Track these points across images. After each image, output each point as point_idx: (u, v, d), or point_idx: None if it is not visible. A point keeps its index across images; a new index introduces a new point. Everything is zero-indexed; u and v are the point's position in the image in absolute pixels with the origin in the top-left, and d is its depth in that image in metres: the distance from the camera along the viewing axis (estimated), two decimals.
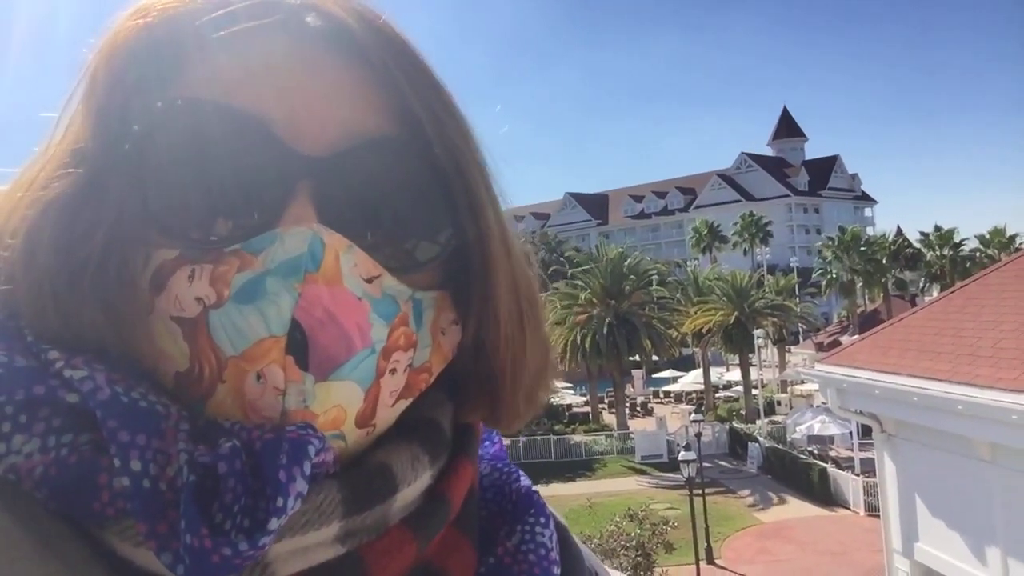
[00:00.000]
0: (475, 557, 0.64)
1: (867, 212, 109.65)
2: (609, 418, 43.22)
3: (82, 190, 0.54)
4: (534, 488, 0.73)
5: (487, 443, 0.77)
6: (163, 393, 0.52)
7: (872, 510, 23.16)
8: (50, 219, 0.53)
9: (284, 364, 0.50)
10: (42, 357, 0.52)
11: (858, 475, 28.03)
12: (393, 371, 0.56)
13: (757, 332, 41.74)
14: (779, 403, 43.54)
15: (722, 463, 35.72)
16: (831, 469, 29.83)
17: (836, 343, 35.19)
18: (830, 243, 64.31)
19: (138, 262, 0.54)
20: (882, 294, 61.58)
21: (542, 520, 0.69)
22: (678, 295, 46.68)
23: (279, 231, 0.52)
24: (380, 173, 0.55)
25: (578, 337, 39.00)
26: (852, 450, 30.21)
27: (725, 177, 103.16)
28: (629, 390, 48.56)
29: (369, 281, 0.55)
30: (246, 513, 0.46)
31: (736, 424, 38.99)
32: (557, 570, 0.67)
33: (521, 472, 0.75)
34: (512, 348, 0.62)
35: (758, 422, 37.63)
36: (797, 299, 53.92)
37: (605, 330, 38.88)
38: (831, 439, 32.63)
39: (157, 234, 0.53)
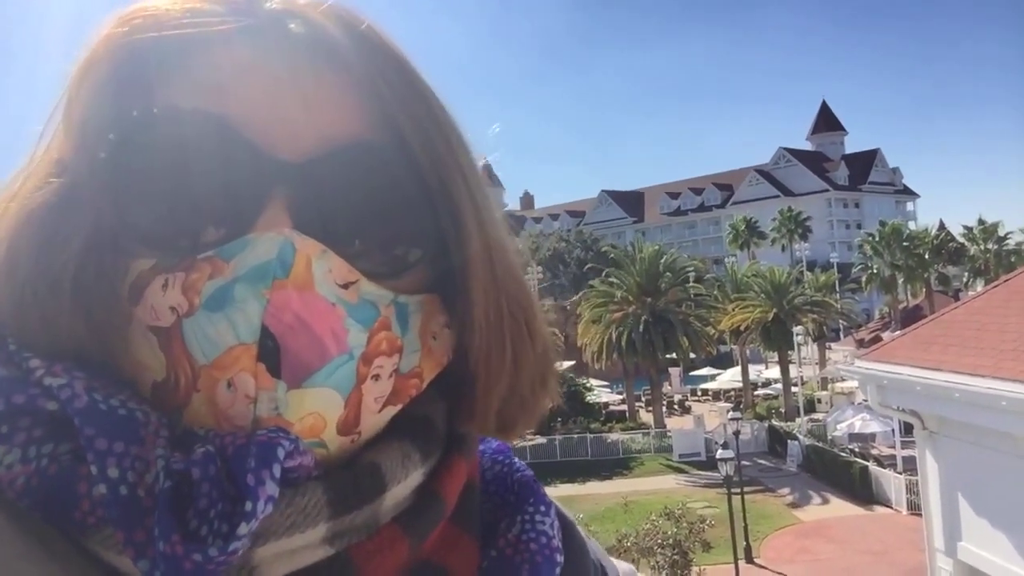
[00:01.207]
0: (477, 552, 0.64)
1: (909, 206, 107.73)
2: (646, 416, 42.92)
3: (61, 200, 0.54)
4: (536, 479, 0.74)
5: (488, 438, 0.77)
6: (143, 401, 0.52)
7: (914, 509, 22.79)
8: (31, 229, 0.53)
9: (255, 372, 0.49)
10: (23, 366, 0.52)
11: (900, 473, 27.52)
12: (376, 377, 0.55)
13: (796, 329, 41.14)
14: (819, 401, 42.91)
15: (761, 461, 35.30)
16: (872, 467, 29.34)
17: (877, 339, 34.67)
18: (871, 238, 63.32)
19: (116, 272, 0.54)
20: (924, 289, 60.43)
21: (542, 508, 0.69)
22: (715, 292, 46.30)
23: (250, 237, 0.51)
24: (358, 179, 0.54)
25: (614, 335, 38.84)
26: (894, 447, 29.71)
27: (763, 172, 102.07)
28: (666, 388, 48.28)
29: (345, 287, 0.53)
30: (223, 518, 0.45)
31: (775, 422, 38.50)
32: (560, 557, 0.67)
33: (522, 463, 0.75)
34: (488, 355, 0.61)
35: (798, 420, 37.15)
36: (837, 295, 53.24)
37: (641, 328, 38.62)
38: (873, 437, 32.12)
39: (133, 242, 0.53)
